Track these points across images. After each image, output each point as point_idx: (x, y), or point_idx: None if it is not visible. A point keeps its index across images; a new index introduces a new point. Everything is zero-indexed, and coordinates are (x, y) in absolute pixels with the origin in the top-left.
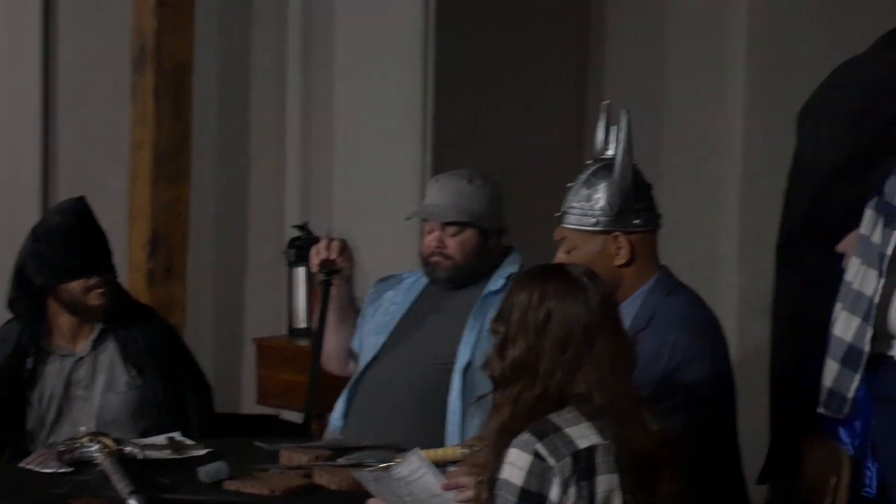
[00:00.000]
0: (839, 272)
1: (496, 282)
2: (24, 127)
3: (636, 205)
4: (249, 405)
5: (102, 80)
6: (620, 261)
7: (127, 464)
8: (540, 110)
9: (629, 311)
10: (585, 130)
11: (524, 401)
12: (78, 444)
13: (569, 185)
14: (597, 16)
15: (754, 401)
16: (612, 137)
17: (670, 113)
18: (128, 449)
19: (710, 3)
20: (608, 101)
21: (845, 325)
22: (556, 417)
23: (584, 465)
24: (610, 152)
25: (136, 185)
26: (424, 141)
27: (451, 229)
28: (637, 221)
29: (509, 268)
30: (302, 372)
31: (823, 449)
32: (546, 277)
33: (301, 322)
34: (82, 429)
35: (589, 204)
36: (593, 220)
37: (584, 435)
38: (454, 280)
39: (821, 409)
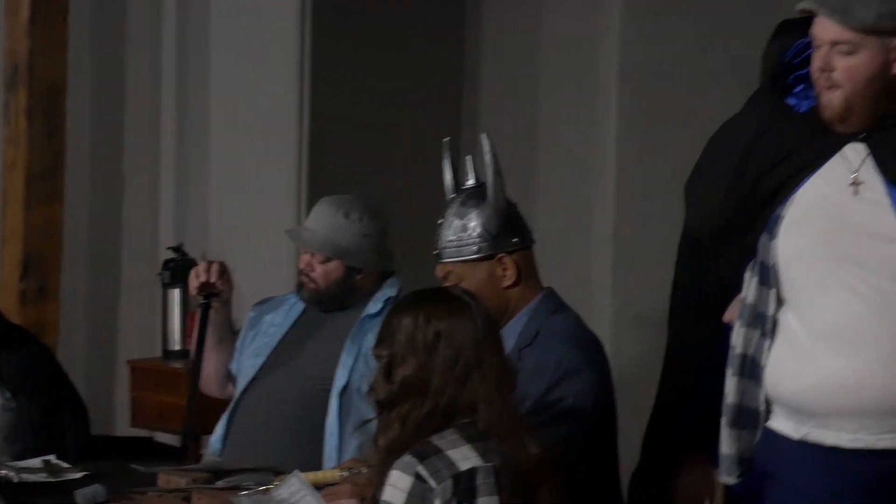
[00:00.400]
0: (726, 343)
1: (374, 305)
2: None
3: (511, 224)
4: (123, 427)
5: None
6: (508, 282)
7: (2, 487)
8: (415, 134)
9: (515, 328)
10: (461, 154)
11: (414, 418)
12: None
13: (439, 221)
14: (472, 40)
15: (626, 422)
16: (468, 168)
17: (545, 137)
18: (3, 472)
19: (584, 29)
20: (448, 139)
21: (734, 388)
22: (437, 440)
23: (464, 487)
24: (471, 181)
25: (9, 206)
26: (300, 163)
27: (319, 256)
28: (516, 240)
29: (388, 291)
30: (176, 394)
31: (697, 472)
32: (429, 299)
33: (175, 344)
34: None
35: (466, 234)
36: (474, 247)
37: (465, 457)
38: (315, 303)
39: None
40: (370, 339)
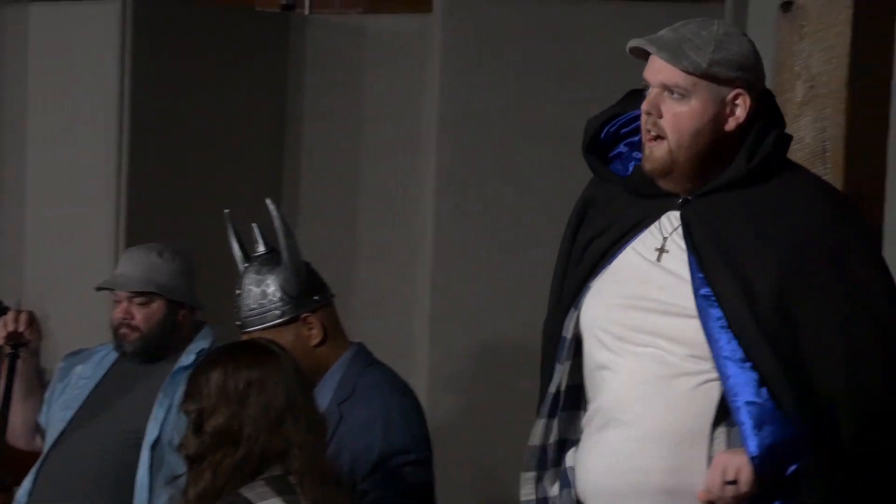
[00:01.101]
0: None
1: (187, 357)
2: None
3: (309, 284)
4: None
5: None
6: (315, 340)
7: None
8: (235, 186)
9: (329, 385)
10: (281, 207)
11: (225, 466)
12: None
13: (237, 292)
14: (294, 94)
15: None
16: (256, 235)
17: (367, 190)
18: None
19: (405, 84)
20: (228, 210)
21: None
22: (247, 491)
23: None
24: (261, 248)
25: None
26: (118, 213)
27: (138, 300)
28: (317, 298)
29: (201, 343)
30: None
31: None
32: (237, 350)
33: None
34: None
35: (267, 300)
36: (278, 312)
37: None
38: (141, 352)
39: None
40: (182, 391)
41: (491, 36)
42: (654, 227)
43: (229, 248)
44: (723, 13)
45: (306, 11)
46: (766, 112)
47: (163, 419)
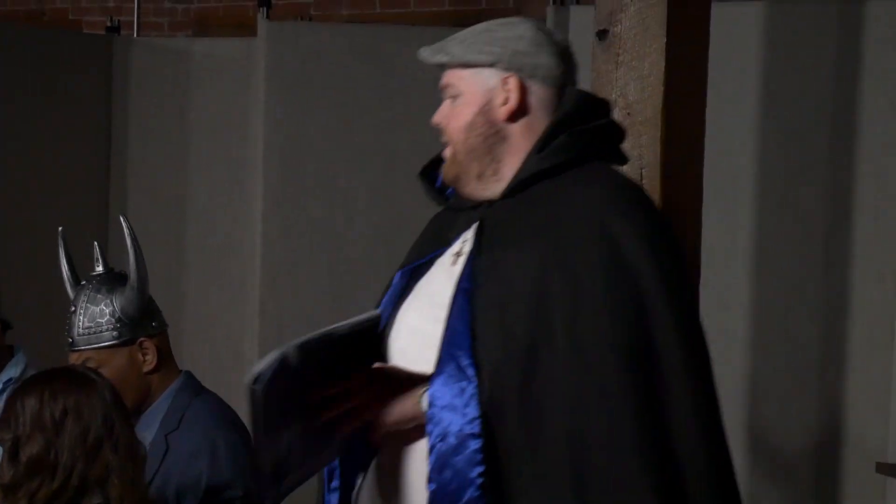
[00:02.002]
0: None
1: None
2: None
3: (148, 308)
4: None
5: None
6: (149, 366)
7: None
8: (61, 206)
9: (156, 413)
10: (109, 230)
11: (41, 496)
12: None
13: (70, 310)
14: (119, 116)
15: None
16: (96, 254)
17: (194, 213)
18: None
19: (231, 106)
20: (62, 227)
21: None
22: None
23: None
24: (100, 268)
25: None
26: None
27: None
28: (154, 324)
29: (10, 371)
30: None
31: None
32: (53, 377)
33: None
34: None
35: (104, 320)
36: (115, 333)
37: None
38: None
39: None
40: None
41: (314, 59)
42: (461, 237)
43: (57, 267)
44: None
45: (134, 34)
46: (575, 108)
47: None
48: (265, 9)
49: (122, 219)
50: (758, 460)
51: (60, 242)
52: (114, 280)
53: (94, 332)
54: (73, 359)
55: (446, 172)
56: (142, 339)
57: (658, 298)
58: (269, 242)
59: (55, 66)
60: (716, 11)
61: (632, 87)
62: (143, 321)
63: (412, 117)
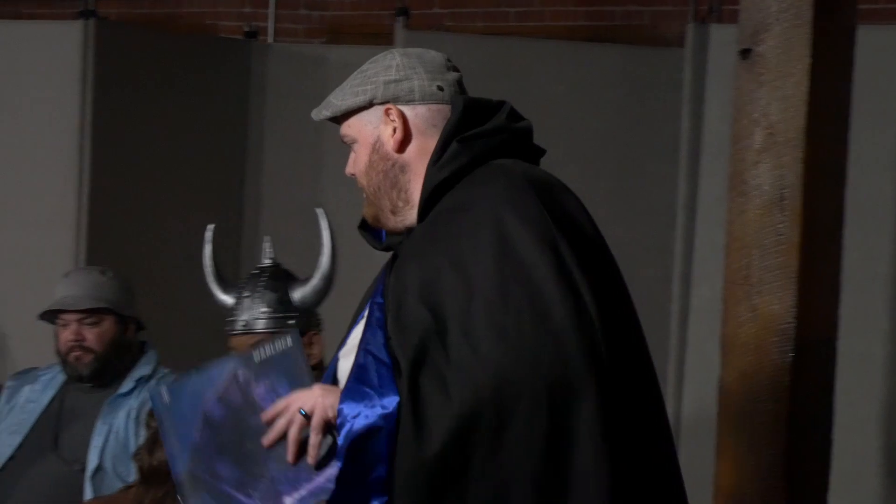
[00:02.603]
0: None
1: (127, 384)
2: None
3: (319, 305)
4: None
5: None
6: (314, 360)
7: None
8: (196, 211)
9: None
10: (242, 235)
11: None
12: None
13: (244, 294)
14: (255, 122)
15: None
16: (266, 247)
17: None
18: None
19: None
20: (213, 225)
21: None
22: None
23: None
24: (267, 261)
25: None
26: (77, 235)
27: (88, 320)
28: (321, 319)
29: (143, 369)
30: None
31: None
32: None
33: None
34: None
35: (282, 307)
36: (291, 321)
37: None
38: (98, 374)
39: None
40: (121, 417)
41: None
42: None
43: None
44: (682, 59)
45: (270, 39)
46: (462, 116)
47: (101, 447)
48: (404, 18)
49: (320, 213)
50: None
51: (208, 238)
52: (285, 273)
53: (273, 318)
54: (244, 341)
55: (367, 216)
56: (313, 332)
57: (553, 287)
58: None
59: (192, 71)
60: (861, 34)
61: (774, 107)
62: (315, 315)
63: (543, 132)
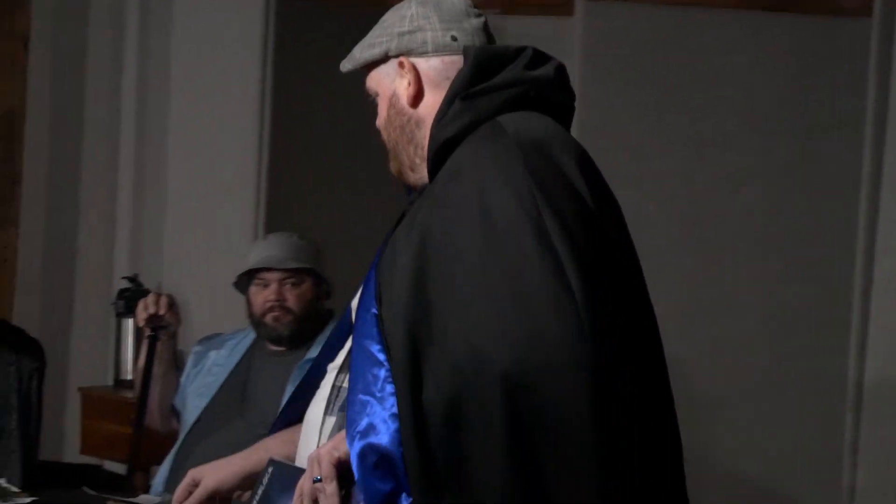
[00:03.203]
0: None
1: (315, 349)
2: None
3: None
4: (73, 454)
5: None
6: None
7: None
8: (372, 178)
9: None
10: None
11: None
12: None
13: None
14: None
15: None
16: None
17: None
18: None
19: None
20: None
21: None
22: None
23: None
24: None
25: None
26: (258, 202)
27: (291, 280)
28: None
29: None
30: (126, 423)
31: None
32: None
33: (128, 373)
34: None
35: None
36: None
37: None
38: (295, 336)
39: None
40: None
41: (628, 40)
42: None
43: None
44: (868, 28)
45: None
46: (471, 70)
47: None
48: None
49: None
50: None
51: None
52: None
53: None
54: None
55: (392, 170)
56: None
57: (533, 262)
58: None
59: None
60: None
61: None
62: None
63: (720, 103)
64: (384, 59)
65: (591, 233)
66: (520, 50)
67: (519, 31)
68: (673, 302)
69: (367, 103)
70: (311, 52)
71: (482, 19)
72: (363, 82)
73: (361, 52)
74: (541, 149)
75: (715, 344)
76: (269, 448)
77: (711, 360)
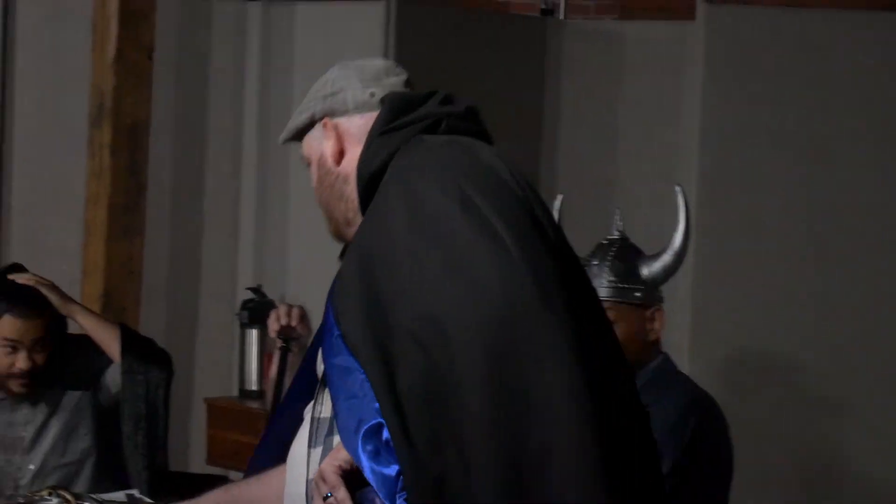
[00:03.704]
0: None
1: None
2: None
3: (666, 281)
4: (199, 465)
5: (57, 134)
6: (654, 335)
7: None
8: None
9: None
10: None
11: None
12: (37, 498)
13: (594, 263)
14: (551, 102)
15: None
16: (616, 219)
17: (623, 199)
18: None
19: (663, 93)
20: (561, 196)
21: None
22: None
23: None
24: (616, 234)
25: (91, 239)
26: None
27: None
28: (663, 297)
29: None
30: (252, 434)
31: None
32: None
33: (252, 384)
34: (31, 467)
35: (631, 278)
36: (639, 294)
37: None
38: None
39: None
40: None
41: (751, 45)
42: None
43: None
44: None
45: (560, 16)
46: (386, 114)
47: None
48: None
49: (679, 191)
50: None
51: (556, 207)
52: (634, 247)
53: (620, 287)
54: None
55: (331, 232)
56: (656, 307)
57: (468, 225)
58: (703, 231)
59: (489, 49)
60: None
61: None
62: (658, 291)
63: (841, 107)
64: (311, 123)
65: (521, 210)
66: (432, 93)
67: (638, 36)
68: (796, 306)
69: (484, 110)
70: (430, 61)
71: (403, 77)
72: (481, 92)
73: (292, 121)
74: (458, 143)
75: (838, 345)
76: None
77: (833, 362)
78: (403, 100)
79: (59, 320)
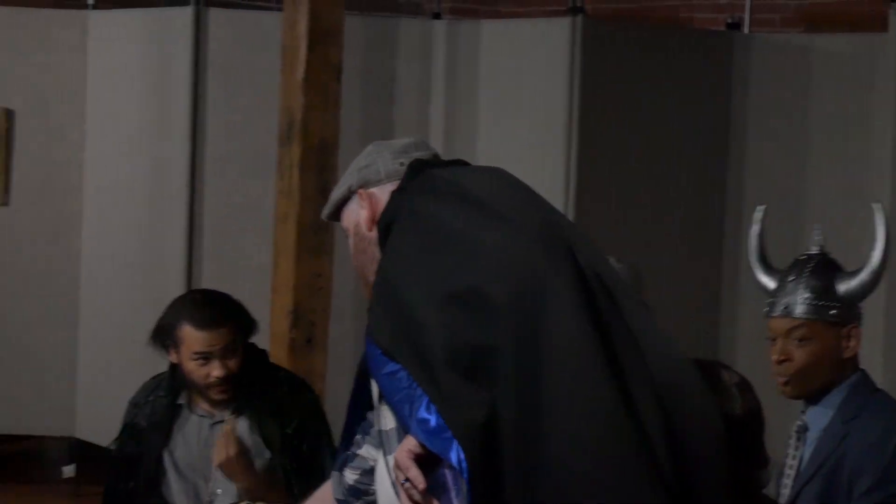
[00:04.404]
0: None
1: None
2: (170, 196)
3: (863, 299)
4: None
5: (246, 153)
6: (850, 353)
7: None
8: (679, 201)
9: (833, 399)
10: (724, 227)
11: None
12: None
13: (790, 279)
14: (738, 114)
15: None
16: (816, 235)
17: (811, 212)
18: None
19: (853, 105)
20: (763, 206)
21: None
22: None
23: None
24: (815, 249)
25: (280, 257)
26: None
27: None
28: (861, 314)
29: None
30: None
31: None
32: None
33: None
34: (218, 491)
35: (827, 295)
36: (835, 312)
37: None
38: None
39: None
40: None
41: None
42: None
43: (748, 244)
44: None
45: (745, 30)
46: (407, 178)
47: None
48: None
49: (878, 209)
50: None
51: (758, 219)
52: (832, 263)
53: (815, 306)
54: (783, 325)
55: (367, 297)
56: (853, 325)
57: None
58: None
59: (674, 64)
60: None
61: None
62: (854, 309)
63: None
64: (349, 195)
65: (530, 213)
66: (454, 161)
67: (826, 48)
68: None
69: (673, 133)
70: (617, 76)
71: (430, 152)
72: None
73: (333, 194)
74: (461, 161)
75: None
76: None
77: None
78: (421, 162)
79: (247, 324)
